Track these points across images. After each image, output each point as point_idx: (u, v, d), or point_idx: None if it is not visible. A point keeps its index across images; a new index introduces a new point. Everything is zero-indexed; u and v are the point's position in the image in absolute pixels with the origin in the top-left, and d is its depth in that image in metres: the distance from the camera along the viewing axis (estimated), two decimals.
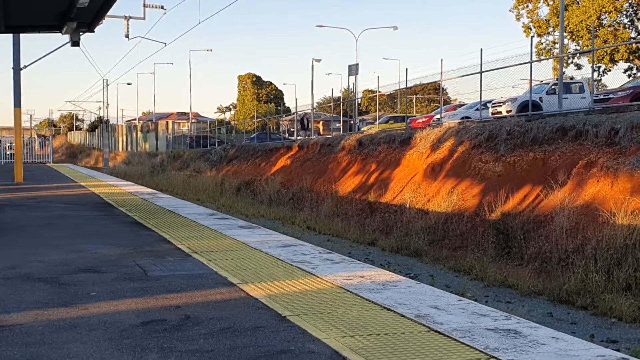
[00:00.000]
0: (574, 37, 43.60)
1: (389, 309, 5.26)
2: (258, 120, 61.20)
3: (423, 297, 5.69)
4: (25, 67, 23.23)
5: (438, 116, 29.59)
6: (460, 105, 32.66)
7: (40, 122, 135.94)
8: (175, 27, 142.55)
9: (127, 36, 33.78)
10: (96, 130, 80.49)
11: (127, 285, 6.21)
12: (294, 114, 49.14)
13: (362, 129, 36.24)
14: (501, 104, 24.69)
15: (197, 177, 39.32)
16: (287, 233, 15.06)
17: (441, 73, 27.25)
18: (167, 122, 71.39)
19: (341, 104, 43.15)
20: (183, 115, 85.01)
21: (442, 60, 27.36)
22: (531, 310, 11.05)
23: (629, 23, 43.66)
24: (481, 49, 24.28)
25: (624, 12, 42.91)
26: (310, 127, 41.28)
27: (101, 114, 65.41)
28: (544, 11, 46.69)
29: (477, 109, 26.62)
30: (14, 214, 12.45)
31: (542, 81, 26.15)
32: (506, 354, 4.15)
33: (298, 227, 21.51)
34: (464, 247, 16.28)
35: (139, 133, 71.86)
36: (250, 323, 4.93)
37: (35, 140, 50.31)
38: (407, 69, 62.56)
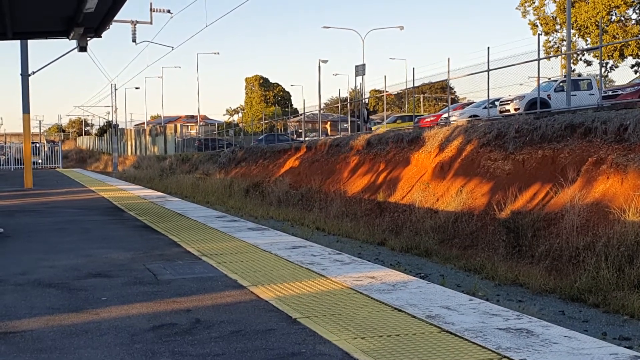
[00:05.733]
0: (582, 33, 43.43)
1: (399, 310, 5.24)
2: (266, 122, 61.21)
3: (434, 297, 5.66)
4: (34, 73, 23.29)
5: (446, 115, 29.55)
6: (468, 104, 32.59)
7: (49, 128, 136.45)
8: (182, 30, 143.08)
9: (134, 41, 33.86)
10: (105, 134, 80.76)
11: (137, 290, 6.22)
12: (301, 115, 49.11)
13: (371, 129, 36.14)
14: (509, 102, 24.61)
15: (206, 179, 39.38)
16: (296, 234, 15.07)
17: (448, 72, 27.21)
18: (175, 126, 71.52)
19: (348, 104, 43.11)
20: (191, 118, 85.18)
21: (449, 59, 27.39)
22: (543, 308, 11.02)
23: (639, 18, 43.45)
24: (488, 47, 24.29)
25: (634, 7, 42.71)
26: (368, 118, 39.79)
27: (110, 119, 65.66)
28: (550, 8, 46.58)
29: (485, 107, 26.55)
30: (24, 219, 12.49)
31: (550, 78, 26.06)
32: (518, 354, 4.13)
33: (307, 228, 21.50)
34: (474, 246, 16.24)
35: (147, 137, 72.03)
36: (260, 326, 4.92)
37: (44, 146, 50.53)
38: (413, 69, 62.65)
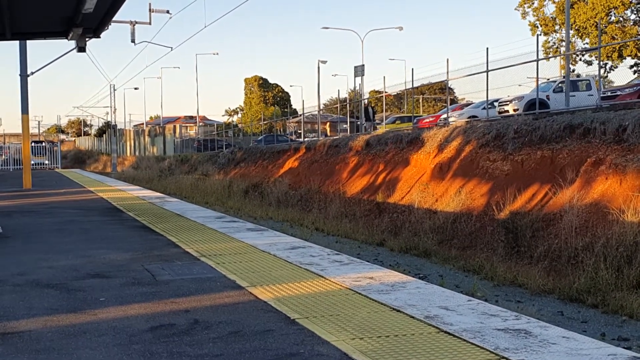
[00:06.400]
0: (580, 34, 43.46)
1: (398, 310, 5.25)
2: (265, 122, 61.18)
3: (432, 297, 5.67)
4: (32, 73, 23.28)
5: (445, 116, 29.55)
6: (467, 105, 32.59)
7: (49, 128, 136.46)
8: (181, 31, 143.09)
9: (133, 41, 33.79)
10: (104, 135, 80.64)
11: (135, 290, 6.22)
12: (300, 115, 49.08)
13: (369, 130, 36.11)
14: (508, 103, 24.61)
15: (205, 180, 39.34)
16: (295, 235, 15.06)
17: (447, 73, 27.21)
18: (174, 126, 71.46)
19: (348, 105, 43.09)
20: (190, 118, 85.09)
21: (447, 59, 27.41)
22: (541, 309, 11.02)
23: (637, 18, 43.49)
24: (487, 48, 24.28)
25: (632, 8, 42.75)
26: (375, 117, 38.22)
27: (109, 119, 65.61)
28: (550, 9, 46.60)
29: (484, 108, 26.55)
30: (23, 220, 12.49)
31: (548, 79, 26.06)
32: (516, 354, 4.13)
33: (306, 228, 21.49)
34: (473, 246, 16.24)
35: (146, 137, 71.98)
36: (259, 326, 4.92)
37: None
38: (412, 69, 62.24)
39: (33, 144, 46.60)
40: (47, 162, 43.48)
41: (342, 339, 4.55)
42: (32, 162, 41.64)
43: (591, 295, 11.49)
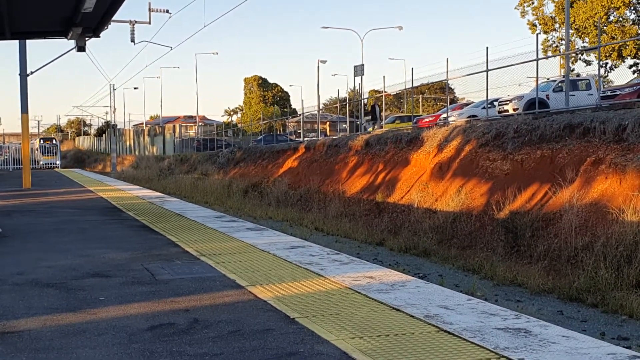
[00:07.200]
0: (580, 33, 43.45)
1: (398, 310, 5.24)
2: (265, 122, 61.17)
3: (432, 297, 5.66)
4: (32, 73, 23.26)
5: (445, 115, 29.55)
6: (467, 104, 32.57)
7: (48, 128, 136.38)
8: (180, 30, 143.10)
9: (132, 41, 33.73)
10: (104, 135, 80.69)
11: (135, 290, 6.21)
12: (300, 115, 49.08)
13: (368, 129, 36.07)
14: (508, 102, 24.61)
15: (204, 180, 39.36)
16: (295, 234, 15.06)
17: (447, 72, 27.21)
18: (174, 126, 71.47)
19: (347, 104, 43.06)
20: (190, 118, 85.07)
21: (447, 59, 27.40)
22: (541, 308, 11.02)
23: (637, 18, 43.49)
24: (487, 47, 24.26)
25: (632, 7, 42.74)
26: (381, 116, 36.82)
27: (108, 119, 65.61)
28: (549, 8, 46.58)
29: (484, 108, 26.54)
30: (23, 219, 12.48)
31: (548, 79, 26.05)
32: (516, 354, 4.13)
33: (306, 228, 21.50)
34: (473, 246, 16.24)
35: (146, 137, 71.97)
36: (258, 325, 4.92)
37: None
38: (412, 69, 62.46)
39: (42, 142, 46.42)
40: (58, 162, 43.19)
41: (341, 338, 4.54)
42: (42, 162, 41.60)
43: (591, 295, 11.49)
